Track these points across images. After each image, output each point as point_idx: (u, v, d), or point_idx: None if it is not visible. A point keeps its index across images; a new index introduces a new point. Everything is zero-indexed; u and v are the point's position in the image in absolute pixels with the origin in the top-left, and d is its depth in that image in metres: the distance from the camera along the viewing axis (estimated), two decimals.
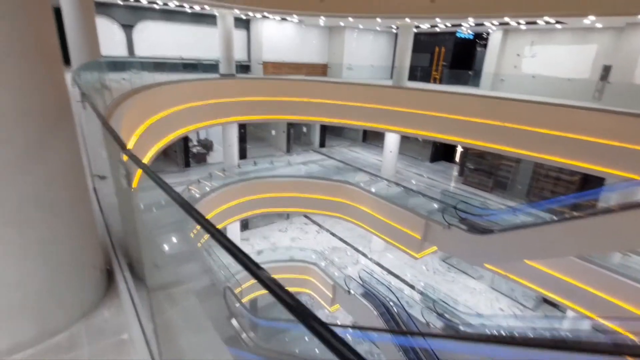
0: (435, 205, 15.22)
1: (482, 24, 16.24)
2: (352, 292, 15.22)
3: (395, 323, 11.77)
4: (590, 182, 15.17)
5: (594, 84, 14.64)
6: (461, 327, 11.14)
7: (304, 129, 23.01)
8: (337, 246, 19.67)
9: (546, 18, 13.50)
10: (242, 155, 19.25)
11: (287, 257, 16.97)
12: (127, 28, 15.49)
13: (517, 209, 13.14)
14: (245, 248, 17.60)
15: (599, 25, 13.99)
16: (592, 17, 12.39)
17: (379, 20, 16.34)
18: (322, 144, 22.78)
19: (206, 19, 17.43)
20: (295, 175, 16.53)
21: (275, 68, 19.08)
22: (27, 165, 1.60)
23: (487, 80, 17.71)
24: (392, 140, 17.98)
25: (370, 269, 17.36)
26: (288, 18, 18.02)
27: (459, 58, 20.25)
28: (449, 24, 16.80)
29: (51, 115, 1.71)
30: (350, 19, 16.81)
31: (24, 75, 1.55)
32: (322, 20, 18.54)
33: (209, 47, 17.56)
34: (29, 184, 1.61)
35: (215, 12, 15.56)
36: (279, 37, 19.14)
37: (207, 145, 19.76)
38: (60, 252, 1.79)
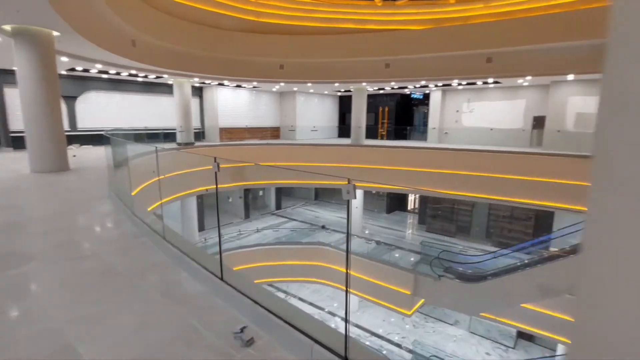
0: (408, 257, 15.02)
1: (426, 86, 17.61)
2: None
3: None
4: (542, 217, 16.46)
5: (535, 132, 16.52)
6: None
7: (260, 193, 21.86)
8: (309, 312, 18.04)
9: (485, 79, 15.12)
10: (200, 226, 17.27)
11: None
12: (70, 100, 13.49)
13: (502, 253, 13.46)
14: None
15: (526, 83, 16.06)
16: (529, 77, 14.17)
17: (337, 84, 16.75)
18: (278, 206, 21.74)
19: (156, 87, 16.14)
20: (269, 244, 15.21)
21: (231, 134, 18.13)
22: None
23: (434, 135, 18.94)
24: (357, 197, 17.78)
25: (355, 334, 16.12)
26: (244, 85, 17.56)
27: (402, 116, 21.57)
28: (396, 86, 17.89)
29: None
30: (309, 84, 16.98)
31: None
32: (277, 87, 18.46)
33: (160, 116, 16.14)
34: None
35: (171, 81, 14.49)
36: (233, 103, 18.41)
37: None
38: None
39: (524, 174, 12.26)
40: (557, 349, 13.72)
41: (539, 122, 16.55)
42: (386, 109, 21.34)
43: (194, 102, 17.25)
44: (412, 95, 20.69)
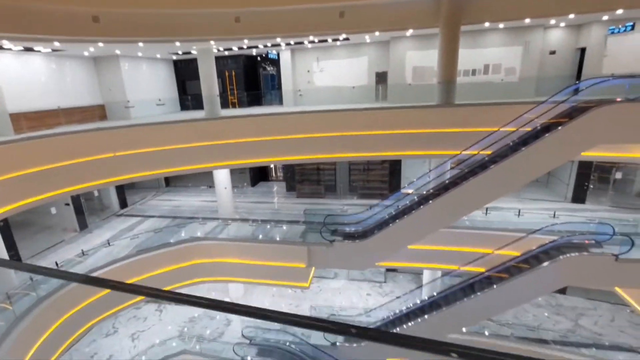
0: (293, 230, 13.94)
1: (278, 45, 15.71)
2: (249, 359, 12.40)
3: None
4: (393, 165, 17.65)
5: (375, 88, 16.92)
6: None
7: (95, 193, 16.30)
8: (194, 316, 15.38)
9: (337, 35, 14.28)
10: (15, 258, 11.64)
11: None
12: None
13: (385, 204, 13.49)
14: None
15: (368, 40, 16.06)
16: (376, 33, 13.95)
17: (177, 44, 13.04)
18: (123, 204, 16.85)
19: None
20: (130, 256, 11.46)
21: (34, 121, 12.22)
22: None
23: (289, 98, 17.52)
24: (223, 176, 15.14)
25: (253, 326, 14.42)
26: (38, 47, 11.77)
27: (250, 80, 19.21)
28: (247, 45, 15.34)
29: None
30: (140, 44, 12.64)
31: None
32: (91, 49, 13.20)
33: None
34: None
35: None
36: (27, 76, 12.26)
37: None
38: None
39: (380, 129, 12.29)
40: (424, 274, 15.26)
41: (381, 78, 17.14)
42: (233, 73, 18.55)
43: None
44: (270, 56, 18.47)
